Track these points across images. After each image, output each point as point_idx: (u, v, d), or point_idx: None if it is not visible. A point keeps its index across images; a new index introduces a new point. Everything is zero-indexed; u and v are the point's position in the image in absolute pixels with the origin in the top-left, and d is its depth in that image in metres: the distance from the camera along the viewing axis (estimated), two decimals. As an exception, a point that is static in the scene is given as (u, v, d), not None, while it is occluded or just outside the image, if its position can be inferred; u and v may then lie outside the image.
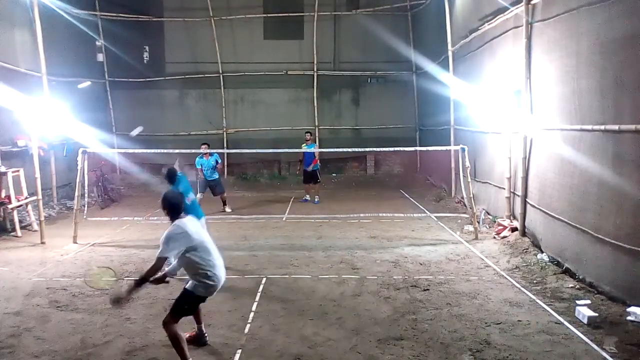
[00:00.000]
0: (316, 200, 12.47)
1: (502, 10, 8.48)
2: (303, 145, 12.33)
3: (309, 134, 12.64)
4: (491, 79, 9.33)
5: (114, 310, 5.48)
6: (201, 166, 11.06)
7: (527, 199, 7.84)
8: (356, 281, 6.51)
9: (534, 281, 6.32)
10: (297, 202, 12.52)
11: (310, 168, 12.39)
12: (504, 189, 8.79)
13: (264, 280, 6.56)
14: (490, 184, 9.78)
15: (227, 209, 11.35)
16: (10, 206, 9.15)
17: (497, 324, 5.10)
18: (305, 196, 12.69)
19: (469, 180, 9.00)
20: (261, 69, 16.03)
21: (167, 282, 4.41)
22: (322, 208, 11.63)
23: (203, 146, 11.10)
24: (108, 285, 4.85)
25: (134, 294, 4.44)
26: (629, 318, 4.95)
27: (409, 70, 16.36)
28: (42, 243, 8.56)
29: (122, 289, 4.22)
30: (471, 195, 8.97)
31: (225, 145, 15.98)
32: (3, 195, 9.37)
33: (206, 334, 4.81)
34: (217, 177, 11.33)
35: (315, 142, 13.98)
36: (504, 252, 7.61)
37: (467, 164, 8.92)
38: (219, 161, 11.45)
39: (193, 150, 10.79)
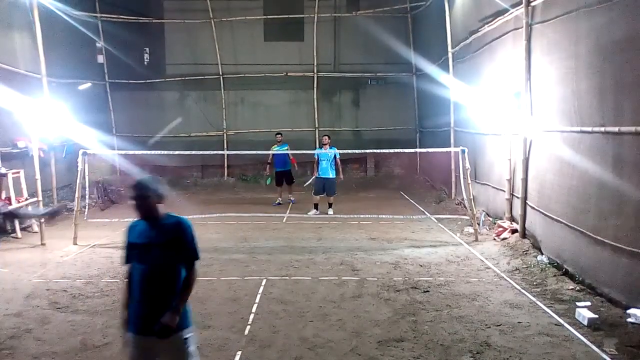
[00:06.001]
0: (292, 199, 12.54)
1: (502, 12, 8.49)
2: (274, 146, 12.24)
3: (279, 135, 12.61)
4: (491, 81, 9.33)
5: (114, 311, 5.50)
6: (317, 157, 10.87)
7: (527, 201, 7.84)
8: (356, 283, 6.51)
9: (534, 283, 6.32)
10: (297, 203, 12.49)
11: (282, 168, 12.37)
12: (504, 190, 8.79)
13: (264, 282, 6.56)
14: (490, 185, 9.78)
15: (330, 211, 11.13)
16: (10, 207, 9.14)
17: (497, 325, 5.10)
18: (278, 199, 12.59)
19: (469, 181, 9.00)
20: (261, 70, 16.02)
21: None
22: (322, 209, 11.61)
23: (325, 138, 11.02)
24: None
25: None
26: (629, 320, 4.94)
27: (409, 72, 16.35)
28: (42, 244, 8.56)
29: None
30: (471, 197, 8.96)
31: (225, 146, 15.97)
32: (3, 196, 9.36)
33: None
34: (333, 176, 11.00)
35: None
36: (504, 254, 7.61)
37: (467, 165, 8.93)
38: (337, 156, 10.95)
39: (193, 152, 10.78)
